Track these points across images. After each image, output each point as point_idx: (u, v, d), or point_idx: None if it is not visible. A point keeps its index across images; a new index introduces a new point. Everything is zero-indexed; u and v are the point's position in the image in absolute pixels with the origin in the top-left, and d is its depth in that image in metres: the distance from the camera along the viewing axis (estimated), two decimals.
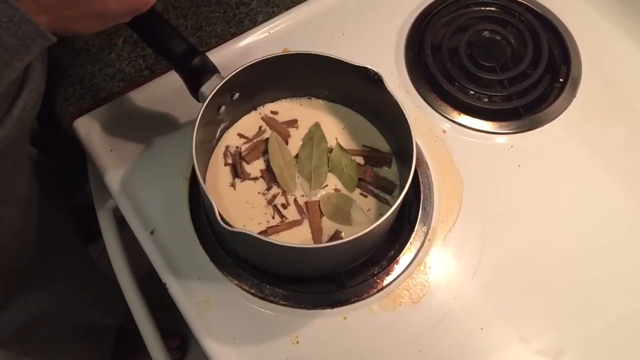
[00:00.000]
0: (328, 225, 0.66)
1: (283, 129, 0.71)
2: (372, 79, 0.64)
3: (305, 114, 0.72)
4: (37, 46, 0.46)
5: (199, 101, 0.64)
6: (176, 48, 0.63)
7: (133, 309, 0.72)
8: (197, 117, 0.61)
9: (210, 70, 0.64)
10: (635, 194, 0.73)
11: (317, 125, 0.71)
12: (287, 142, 0.71)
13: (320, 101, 0.73)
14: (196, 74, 0.64)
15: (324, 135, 0.70)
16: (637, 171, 0.75)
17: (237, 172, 0.69)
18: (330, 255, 0.61)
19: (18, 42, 0.44)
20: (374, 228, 0.57)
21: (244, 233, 0.55)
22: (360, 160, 0.70)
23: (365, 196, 0.67)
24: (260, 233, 0.65)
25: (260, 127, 0.71)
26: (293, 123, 0.72)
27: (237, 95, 0.67)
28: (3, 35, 0.43)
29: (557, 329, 0.65)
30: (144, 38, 0.63)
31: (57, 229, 0.88)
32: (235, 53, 0.79)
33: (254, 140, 0.71)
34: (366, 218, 0.66)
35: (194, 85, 0.64)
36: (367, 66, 0.63)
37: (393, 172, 0.69)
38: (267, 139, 0.70)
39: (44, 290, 0.87)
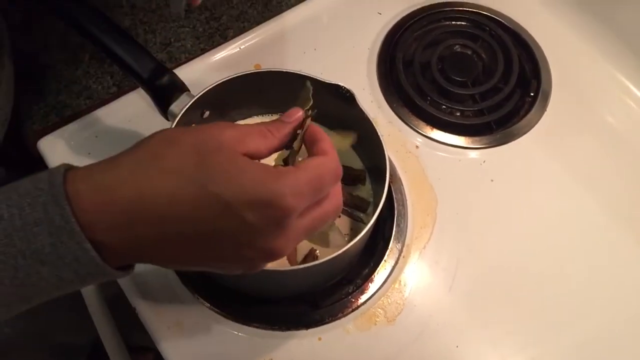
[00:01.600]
0: (302, 244, 0.65)
1: None
2: (344, 97, 0.63)
3: None
4: (98, 280, 0.40)
5: (168, 120, 0.63)
6: (143, 66, 0.61)
7: (100, 329, 0.70)
8: None
9: (179, 88, 0.63)
10: (608, 207, 0.73)
11: None
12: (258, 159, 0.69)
13: None
14: (164, 93, 0.62)
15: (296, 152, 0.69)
16: (610, 184, 0.75)
17: None
18: (304, 277, 0.60)
19: (76, 277, 0.38)
20: (348, 248, 0.57)
21: None
22: None
23: (339, 215, 0.67)
24: None
25: None
26: None
27: (207, 113, 0.66)
28: (63, 272, 0.37)
29: (534, 345, 0.65)
30: (109, 56, 0.62)
31: None
32: (206, 69, 0.78)
33: None
34: (343, 239, 0.65)
35: (163, 104, 0.63)
36: (340, 83, 0.63)
37: (367, 189, 0.69)
38: None
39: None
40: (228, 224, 0.38)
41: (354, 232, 0.66)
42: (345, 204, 0.67)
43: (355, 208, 0.67)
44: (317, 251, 0.64)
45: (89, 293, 0.72)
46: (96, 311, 0.71)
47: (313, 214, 0.42)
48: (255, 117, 0.72)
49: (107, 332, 0.70)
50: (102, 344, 0.76)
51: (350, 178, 0.69)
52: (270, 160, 0.51)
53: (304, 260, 0.64)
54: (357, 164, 0.70)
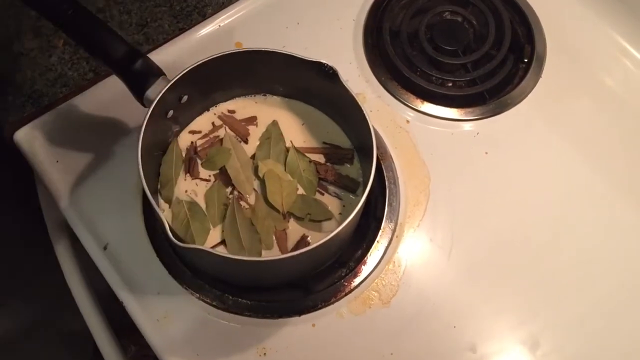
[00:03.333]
0: (293, 230, 0.63)
1: (241, 127, 0.68)
2: (327, 74, 0.60)
3: (262, 112, 0.69)
4: None
5: (144, 106, 0.61)
6: (114, 51, 0.59)
7: (90, 325, 0.69)
8: (143, 124, 0.57)
9: (155, 73, 0.60)
10: (608, 174, 0.71)
11: (274, 123, 0.68)
12: (246, 141, 0.67)
13: (277, 98, 0.69)
14: (139, 78, 0.60)
15: (281, 134, 0.67)
16: (609, 150, 0.73)
17: (190, 169, 0.65)
18: (294, 264, 0.58)
19: None
20: (340, 231, 0.54)
21: (199, 249, 0.52)
22: (320, 158, 0.66)
23: (322, 194, 0.64)
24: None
25: (213, 122, 0.68)
26: (252, 120, 0.68)
27: (185, 97, 0.63)
28: None
29: (532, 321, 0.64)
30: (78, 42, 0.59)
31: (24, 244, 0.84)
32: (185, 50, 0.75)
33: (210, 136, 0.67)
34: (335, 223, 0.63)
35: (138, 90, 0.60)
36: (322, 61, 0.60)
37: (356, 169, 0.66)
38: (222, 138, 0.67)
39: (20, 303, 0.83)
40: None
41: (344, 214, 0.64)
42: (334, 184, 0.65)
43: (344, 189, 0.65)
44: (309, 237, 0.62)
45: (76, 285, 0.70)
46: (84, 303, 0.69)
47: None
48: (238, 98, 0.69)
49: (97, 326, 0.68)
50: None
51: (337, 157, 0.66)
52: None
53: (295, 247, 0.62)
54: (345, 142, 0.67)
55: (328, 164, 0.66)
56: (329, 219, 0.64)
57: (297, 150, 0.66)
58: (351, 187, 0.65)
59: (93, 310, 0.69)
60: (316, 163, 0.66)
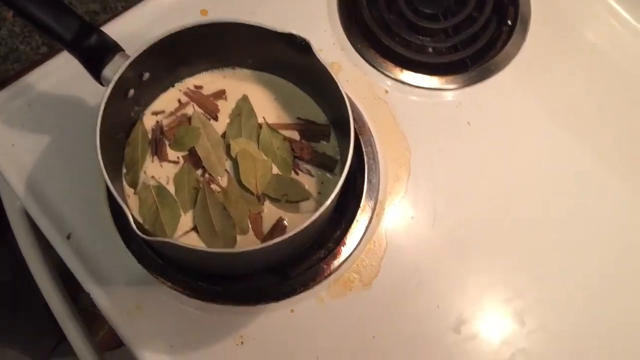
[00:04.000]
0: (268, 212, 0.60)
1: (210, 103, 0.63)
2: (299, 46, 0.56)
3: (231, 87, 0.64)
4: None
5: (103, 85, 0.56)
6: (65, 26, 0.54)
7: (58, 317, 0.66)
8: (101, 106, 0.53)
9: (111, 49, 0.55)
10: (595, 144, 0.68)
11: (244, 98, 0.63)
12: (216, 118, 0.63)
13: (246, 71, 0.64)
14: (95, 56, 0.55)
15: (252, 110, 0.63)
16: (597, 118, 0.70)
17: (157, 151, 0.61)
18: (270, 252, 0.54)
19: None
20: (318, 216, 0.51)
21: (169, 243, 0.48)
22: (295, 135, 0.63)
23: (297, 173, 0.61)
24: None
25: (179, 99, 0.63)
26: (221, 94, 0.64)
27: (147, 75, 0.58)
28: None
29: (517, 299, 0.62)
30: (23, 17, 0.53)
31: None
32: (147, 19, 0.69)
33: (177, 114, 0.63)
34: (313, 203, 0.60)
35: (94, 68, 0.55)
36: (293, 32, 0.55)
37: (332, 146, 0.62)
38: (191, 117, 0.63)
39: None
40: None
41: (323, 194, 0.61)
42: (310, 162, 0.61)
43: (321, 167, 0.62)
44: (285, 220, 0.59)
45: (41, 276, 0.67)
46: (50, 294, 0.66)
47: None
48: (204, 73, 0.64)
49: (65, 319, 0.65)
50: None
51: (313, 134, 0.62)
52: None
53: (272, 231, 0.59)
54: (320, 118, 0.63)
55: (303, 141, 0.62)
56: (307, 199, 0.60)
57: (270, 126, 0.62)
58: (328, 165, 0.61)
59: (58, 300, 0.66)
60: (290, 140, 0.62)
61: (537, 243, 0.64)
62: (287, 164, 0.60)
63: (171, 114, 0.63)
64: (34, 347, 1.17)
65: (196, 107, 0.63)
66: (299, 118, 0.63)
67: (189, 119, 0.62)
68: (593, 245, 0.64)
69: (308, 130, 0.63)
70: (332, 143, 0.63)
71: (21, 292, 0.99)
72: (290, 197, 0.60)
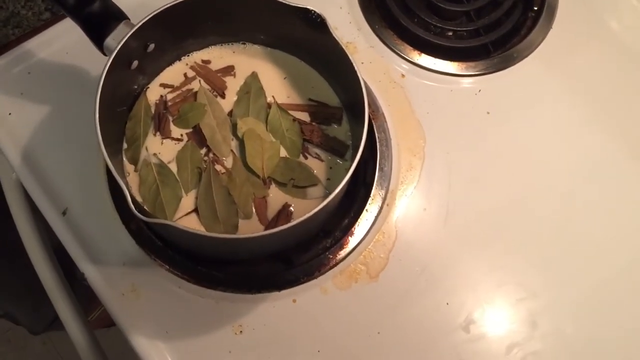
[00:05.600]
0: (274, 197, 0.57)
1: (217, 79, 0.60)
2: (314, 22, 0.53)
3: (241, 63, 0.61)
4: None
5: (105, 55, 0.53)
6: None
7: (53, 299, 0.63)
8: (101, 76, 0.50)
9: (116, 16, 0.53)
10: (624, 139, 0.65)
11: (254, 75, 0.60)
12: (223, 95, 0.60)
13: (257, 47, 0.61)
14: (98, 23, 0.52)
15: (262, 88, 0.60)
16: (625, 110, 0.66)
17: (160, 126, 0.58)
18: (274, 239, 0.52)
19: None
20: (327, 203, 0.48)
21: (169, 225, 0.46)
22: (305, 117, 0.59)
23: (306, 157, 0.58)
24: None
25: (185, 74, 0.60)
26: (229, 70, 0.61)
27: (152, 46, 0.55)
28: None
29: (530, 300, 0.59)
30: None
31: None
32: None
33: (183, 89, 0.60)
34: (321, 189, 0.57)
35: (97, 37, 0.53)
36: (309, 7, 0.52)
37: (344, 130, 0.59)
38: (197, 92, 0.60)
39: None
40: None
41: (332, 180, 0.58)
42: (320, 146, 0.58)
43: (331, 152, 0.58)
44: (292, 206, 0.56)
45: (36, 254, 0.64)
46: (45, 275, 0.63)
47: None
48: (213, 47, 0.61)
49: (61, 303, 0.63)
50: None
51: (324, 116, 0.59)
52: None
53: (277, 217, 0.56)
54: (332, 100, 0.60)
55: (314, 123, 0.59)
56: (315, 184, 0.57)
57: (279, 107, 0.59)
58: (339, 150, 0.58)
59: (51, 276, 0.63)
60: (300, 122, 0.59)
61: (554, 241, 0.61)
62: (296, 147, 0.57)
63: (176, 88, 0.60)
64: (34, 315, 1.15)
65: (203, 83, 0.60)
66: (310, 99, 0.60)
67: (195, 94, 0.59)
68: (614, 245, 0.61)
69: (319, 112, 0.60)
70: (344, 127, 0.60)
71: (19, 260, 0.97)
72: (298, 182, 0.57)
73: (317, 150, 0.58)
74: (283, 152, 0.58)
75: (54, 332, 1.22)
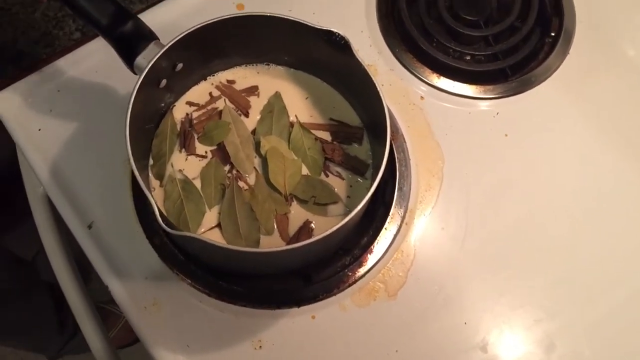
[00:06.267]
0: (295, 213, 0.58)
1: (242, 98, 0.62)
2: (338, 44, 0.54)
3: (264, 83, 0.63)
4: None
5: (135, 74, 0.55)
6: (101, 11, 0.53)
7: (74, 309, 0.64)
8: (132, 93, 0.51)
9: (146, 36, 0.54)
10: (638, 162, 0.65)
11: (277, 95, 0.62)
12: (247, 114, 0.61)
13: (280, 68, 0.63)
14: (129, 42, 0.54)
15: (285, 108, 0.61)
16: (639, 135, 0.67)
17: (185, 143, 0.59)
18: (295, 255, 0.53)
19: None
20: (346, 222, 0.49)
21: (194, 238, 0.47)
22: (327, 136, 0.61)
23: (327, 175, 0.59)
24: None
25: (211, 93, 0.62)
26: (253, 90, 0.62)
27: (180, 65, 0.57)
28: None
29: (548, 320, 0.59)
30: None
31: None
32: (182, 10, 0.68)
33: (208, 107, 0.61)
34: (342, 206, 0.58)
35: (128, 56, 0.54)
36: (333, 29, 0.53)
37: (364, 149, 0.61)
38: (221, 111, 0.61)
39: None
40: None
41: (352, 198, 0.59)
42: (341, 165, 0.60)
43: (352, 170, 0.60)
44: (313, 223, 0.57)
45: (61, 270, 0.65)
46: (70, 293, 0.64)
47: None
48: (238, 67, 0.63)
49: (85, 320, 0.64)
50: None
51: (346, 136, 0.61)
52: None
53: (298, 233, 0.57)
54: (353, 120, 0.61)
55: (335, 142, 0.60)
56: (335, 202, 0.58)
57: (302, 126, 0.60)
58: (360, 169, 0.59)
59: (75, 291, 0.64)
60: (322, 141, 0.60)
61: (571, 262, 0.61)
62: (318, 165, 0.59)
63: (201, 107, 0.61)
64: (43, 347, 1.16)
65: (227, 102, 0.61)
66: (331, 119, 0.61)
67: (220, 113, 0.61)
68: (631, 266, 0.61)
69: (340, 132, 0.61)
70: (365, 146, 0.61)
71: (22, 292, 0.98)
72: (319, 199, 0.58)
73: (338, 169, 0.60)
74: (305, 170, 0.59)
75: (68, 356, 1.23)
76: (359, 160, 0.60)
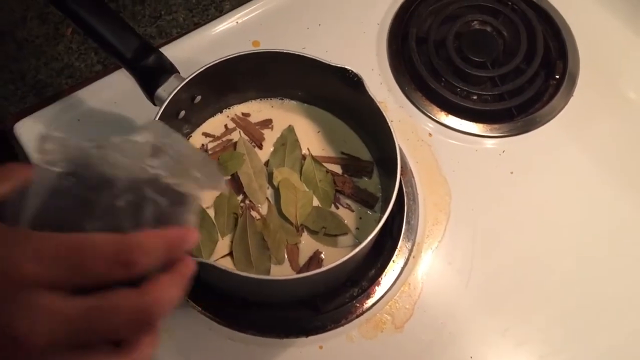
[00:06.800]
0: (305, 244, 0.59)
1: (256, 131, 0.64)
2: (351, 81, 0.57)
3: (278, 117, 0.65)
4: None
5: (155, 105, 0.57)
6: (126, 45, 0.55)
7: None
8: None
9: (167, 69, 0.57)
10: None
11: (290, 129, 0.64)
12: (260, 146, 0.63)
13: (294, 102, 0.65)
14: (151, 75, 0.56)
15: (297, 140, 0.63)
16: None
17: None
18: (304, 284, 0.54)
19: None
20: (354, 254, 0.51)
21: (206, 264, 0.48)
22: (337, 169, 0.63)
23: (337, 207, 0.61)
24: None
25: (226, 125, 0.64)
26: (267, 123, 0.65)
27: (199, 98, 0.59)
28: None
29: (556, 354, 0.60)
30: (87, 32, 0.55)
31: None
32: (199, 46, 0.71)
33: (223, 139, 0.63)
34: (351, 238, 0.59)
35: (149, 88, 0.56)
36: (346, 67, 0.56)
37: (374, 183, 0.62)
38: (236, 142, 0.63)
39: None
40: None
41: (361, 230, 0.60)
42: (351, 197, 0.61)
43: (361, 203, 0.61)
44: (323, 253, 0.58)
45: None
46: None
47: (89, 301, 0.30)
48: (253, 101, 0.65)
49: None
50: None
51: (356, 169, 0.62)
52: None
53: (308, 263, 0.58)
54: (363, 154, 0.63)
55: (345, 175, 0.62)
56: (345, 233, 0.60)
57: (314, 158, 0.62)
58: (369, 202, 0.61)
59: None
60: (333, 174, 0.62)
61: (577, 301, 0.62)
62: (329, 197, 0.60)
63: (217, 138, 0.63)
64: None
65: (242, 134, 0.63)
66: (342, 152, 0.63)
67: (234, 144, 0.63)
68: (635, 302, 0.62)
69: (351, 165, 0.63)
70: (374, 180, 0.62)
71: None
72: (329, 231, 0.59)
73: (348, 201, 0.61)
74: (316, 202, 0.61)
75: None
76: (369, 193, 0.61)
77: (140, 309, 0.30)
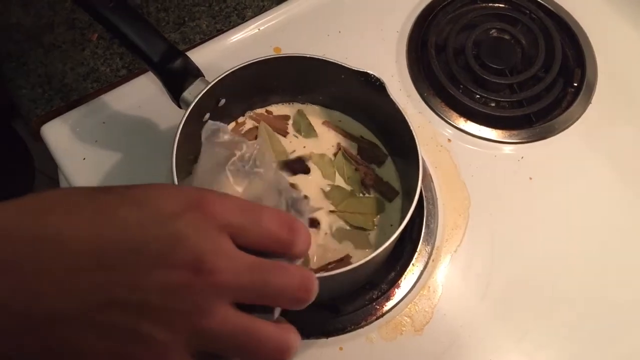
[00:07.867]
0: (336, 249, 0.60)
1: (279, 122, 0.65)
2: (373, 86, 0.57)
3: None
4: None
5: (180, 108, 0.58)
6: (153, 48, 0.56)
7: None
8: (179, 127, 0.54)
9: (193, 73, 0.58)
10: None
11: (300, 113, 0.65)
12: (285, 134, 0.64)
13: (316, 107, 0.66)
14: (177, 78, 0.57)
15: (310, 124, 0.65)
16: None
17: None
18: (323, 285, 0.54)
19: None
20: (376, 255, 0.51)
21: None
22: (354, 148, 0.64)
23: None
24: None
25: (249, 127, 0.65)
26: (287, 118, 0.66)
27: (223, 101, 0.60)
28: None
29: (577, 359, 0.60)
30: (116, 36, 0.56)
31: None
32: (222, 52, 0.72)
33: (243, 132, 0.64)
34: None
35: (175, 91, 0.57)
36: (369, 71, 0.57)
37: (395, 178, 0.63)
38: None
39: None
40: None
41: (380, 229, 0.61)
42: (371, 187, 0.62)
43: (381, 194, 0.62)
44: (352, 258, 0.59)
45: None
46: None
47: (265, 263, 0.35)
48: (274, 105, 0.66)
49: None
50: None
51: (371, 155, 0.64)
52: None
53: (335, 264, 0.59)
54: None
55: (365, 164, 0.63)
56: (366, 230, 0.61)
57: (345, 155, 0.63)
58: (388, 195, 0.62)
59: None
60: (357, 161, 0.63)
61: (597, 310, 0.62)
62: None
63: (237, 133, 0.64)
64: None
65: (264, 124, 0.64)
66: (362, 137, 0.65)
67: (255, 137, 0.64)
68: None
69: (368, 149, 0.64)
70: (395, 175, 0.63)
71: None
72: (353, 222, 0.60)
73: (370, 190, 0.62)
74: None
75: None
76: (390, 187, 0.62)
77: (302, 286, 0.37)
